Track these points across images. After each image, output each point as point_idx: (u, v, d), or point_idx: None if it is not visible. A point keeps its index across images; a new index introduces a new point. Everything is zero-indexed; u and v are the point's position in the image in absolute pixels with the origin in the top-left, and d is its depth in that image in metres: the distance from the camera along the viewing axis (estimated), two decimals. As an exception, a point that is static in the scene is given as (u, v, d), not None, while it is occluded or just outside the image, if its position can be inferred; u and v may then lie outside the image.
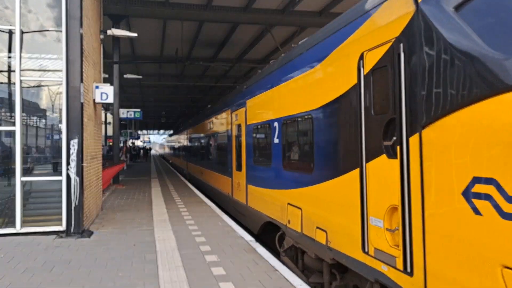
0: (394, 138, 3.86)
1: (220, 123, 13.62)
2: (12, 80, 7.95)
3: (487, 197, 2.84)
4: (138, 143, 67.85)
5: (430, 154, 3.38)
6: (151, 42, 21.37)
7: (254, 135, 9.02)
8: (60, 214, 7.88)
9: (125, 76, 22.50)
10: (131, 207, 11.78)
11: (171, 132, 75.69)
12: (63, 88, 7.92)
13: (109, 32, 12.59)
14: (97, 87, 9.67)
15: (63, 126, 7.90)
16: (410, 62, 3.66)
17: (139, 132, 70.75)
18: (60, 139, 8.01)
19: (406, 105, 3.69)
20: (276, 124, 7.39)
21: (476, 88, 2.96)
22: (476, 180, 2.93)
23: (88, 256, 6.52)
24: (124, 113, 20.03)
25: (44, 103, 8.48)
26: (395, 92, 3.85)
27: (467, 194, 3.00)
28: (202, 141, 18.40)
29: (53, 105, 8.41)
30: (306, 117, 6.03)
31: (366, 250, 4.33)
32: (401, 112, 3.74)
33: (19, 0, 7.78)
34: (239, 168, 10.44)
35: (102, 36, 11.64)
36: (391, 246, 3.92)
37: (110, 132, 39.80)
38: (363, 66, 4.42)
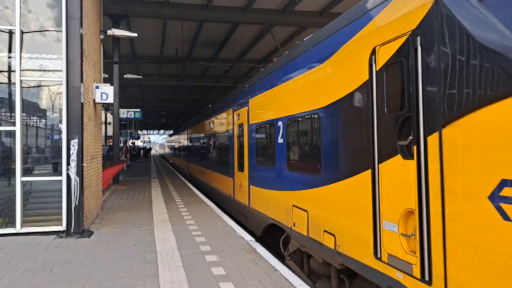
0: (410, 137, 3.64)
1: (221, 122, 13.38)
2: (12, 80, 7.95)
3: None
4: (138, 143, 67.88)
5: (452, 154, 3.16)
6: (151, 42, 21.38)
7: (257, 134, 8.78)
8: (60, 214, 7.89)
9: (125, 76, 22.52)
10: (131, 207, 11.77)
11: (171, 132, 75.65)
12: (63, 88, 7.93)
13: (109, 32, 12.61)
14: (97, 87, 9.67)
15: (63, 126, 7.90)
16: (428, 56, 3.44)
17: (139, 132, 70.76)
18: (60, 139, 8.02)
19: (424, 102, 3.46)
20: (280, 123, 7.14)
21: (503, 83, 2.75)
22: (504, 183, 2.75)
23: (88, 256, 6.53)
24: (124, 113, 20.08)
25: (44, 103, 8.48)
26: (411, 89, 3.63)
27: (494, 198, 2.82)
28: (203, 141, 18.20)
29: (53, 105, 8.41)
30: (312, 116, 5.78)
31: (379, 256, 4.12)
32: (418, 109, 3.52)
33: (19, 0, 7.79)
34: (241, 168, 10.21)
35: (102, 36, 11.63)
36: (407, 252, 3.70)
37: (110, 132, 39.83)
38: (375, 62, 4.19)
